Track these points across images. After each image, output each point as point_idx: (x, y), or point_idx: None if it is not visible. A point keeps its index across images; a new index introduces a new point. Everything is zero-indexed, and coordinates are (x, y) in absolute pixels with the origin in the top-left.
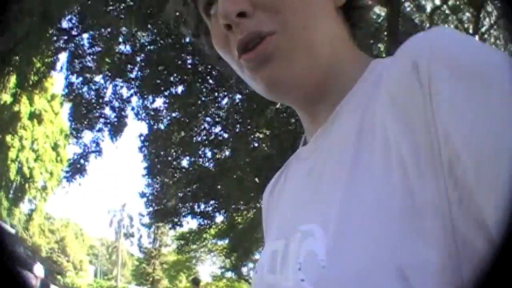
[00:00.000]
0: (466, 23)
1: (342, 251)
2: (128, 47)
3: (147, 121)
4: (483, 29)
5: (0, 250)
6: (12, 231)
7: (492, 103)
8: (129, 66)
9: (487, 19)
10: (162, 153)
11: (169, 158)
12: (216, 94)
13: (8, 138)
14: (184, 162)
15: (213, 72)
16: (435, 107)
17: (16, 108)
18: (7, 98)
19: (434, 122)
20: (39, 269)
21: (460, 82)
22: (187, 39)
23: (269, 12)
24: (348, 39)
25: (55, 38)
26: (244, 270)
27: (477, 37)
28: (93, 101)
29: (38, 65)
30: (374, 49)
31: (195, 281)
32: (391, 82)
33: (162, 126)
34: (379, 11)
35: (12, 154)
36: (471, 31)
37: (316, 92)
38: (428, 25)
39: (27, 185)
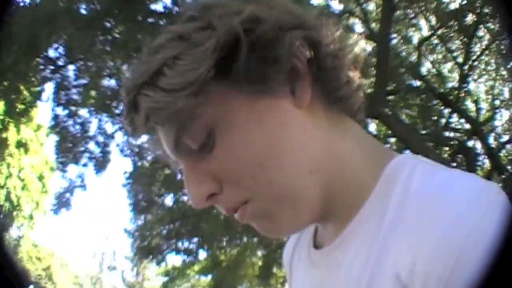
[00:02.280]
0: (456, 51)
1: None
2: (113, 81)
3: (132, 158)
4: (474, 56)
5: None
6: None
7: None
8: (114, 101)
9: (478, 45)
10: (146, 190)
11: (153, 196)
12: None
13: None
14: (168, 200)
15: None
16: None
17: (4, 135)
18: None
19: None
20: None
21: None
22: None
23: (233, 184)
24: (338, 137)
25: (42, 67)
26: None
27: (467, 66)
28: (78, 135)
29: (25, 94)
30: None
31: None
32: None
33: (146, 164)
34: (366, 45)
35: (0, 180)
36: (460, 59)
37: (321, 218)
38: (415, 56)
39: (14, 212)
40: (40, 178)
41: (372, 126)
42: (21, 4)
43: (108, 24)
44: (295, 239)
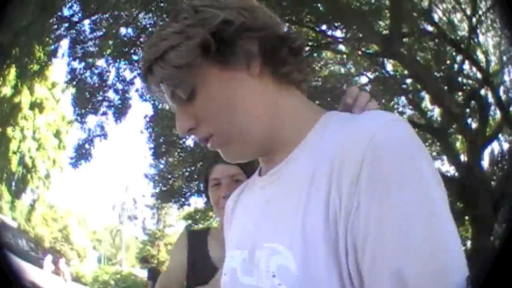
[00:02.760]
0: (463, 4)
1: (307, 267)
2: (130, 30)
3: (152, 101)
4: (480, 12)
5: None
6: (14, 224)
7: (386, 206)
8: (131, 48)
9: (484, 2)
10: (167, 133)
11: (174, 138)
12: None
13: (9, 130)
14: (189, 141)
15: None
16: (357, 192)
17: (16, 100)
18: (7, 90)
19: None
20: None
21: (373, 185)
22: None
23: (204, 122)
24: (284, 96)
25: (55, 26)
26: None
27: (474, 20)
28: (96, 85)
29: (39, 54)
30: (374, 26)
31: (145, 260)
32: (345, 161)
33: (167, 106)
34: None
35: (13, 145)
36: (468, 12)
37: (264, 151)
38: (427, 3)
39: (29, 175)
40: (57, 134)
41: (389, 67)
42: None
43: None
44: (236, 196)
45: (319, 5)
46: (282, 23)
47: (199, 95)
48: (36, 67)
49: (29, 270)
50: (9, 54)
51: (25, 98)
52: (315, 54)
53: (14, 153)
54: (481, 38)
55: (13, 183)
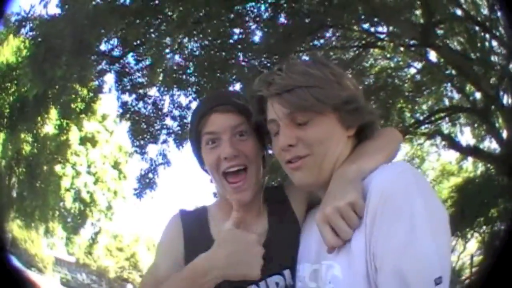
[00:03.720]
0: None
1: (347, 276)
2: (177, 57)
3: None
4: None
5: None
6: (71, 259)
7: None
8: (182, 74)
9: None
10: None
11: None
12: None
13: (58, 167)
14: None
15: (267, 64)
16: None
17: (63, 137)
18: (49, 128)
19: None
20: None
21: (385, 221)
22: (235, 38)
23: (306, 144)
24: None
25: (95, 62)
26: None
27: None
28: (152, 114)
29: (84, 91)
30: (410, 20)
31: None
32: (370, 208)
33: None
34: None
35: (65, 182)
36: None
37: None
38: None
39: (87, 210)
40: (115, 165)
41: (432, 55)
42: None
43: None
44: (311, 214)
45: (358, 7)
46: None
47: (314, 125)
48: (81, 104)
49: None
50: (46, 96)
51: (72, 134)
52: (363, 53)
53: (68, 190)
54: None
55: (69, 219)
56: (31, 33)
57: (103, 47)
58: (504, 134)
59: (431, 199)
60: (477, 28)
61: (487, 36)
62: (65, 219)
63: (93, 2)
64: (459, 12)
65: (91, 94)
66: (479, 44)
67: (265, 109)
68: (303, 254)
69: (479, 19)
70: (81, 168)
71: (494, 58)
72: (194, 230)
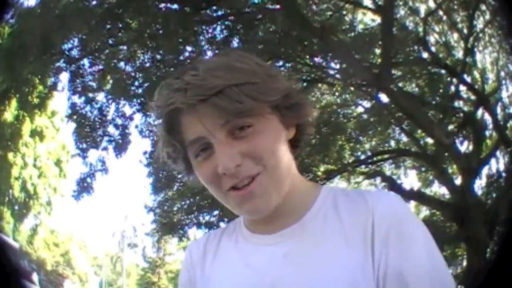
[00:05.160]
0: (460, 23)
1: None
2: (128, 67)
3: (151, 138)
4: (477, 29)
5: (4, 263)
6: (16, 245)
7: (407, 253)
8: (130, 84)
9: (481, 18)
10: (166, 168)
11: (174, 173)
12: None
13: (10, 155)
14: None
15: None
16: (385, 248)
17: (17, 126)
18: (8, 116)
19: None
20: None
21: (398, 240)
22: (185, 55)
23: (255, 159)
24: (294, 164)
25: (54, 58)
26: None
27: (471, 38)
28: (97, 119)
29: (39, 87)
30: (370, 54)
31: None
32: (376, 222)
33: None
34: (372, 17)
35: (15, 171)
36: (465, 31)
37: (275, 211)
38: (422, 28)
39: (31, 202)
40: (58, 163)
41: (384, 96)
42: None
43: (122, 18)
44: (200, 249)
45: (313, 40)
46: None
47: (258, 132)
48: (36, 100)
49: None
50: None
51: (25, 125)
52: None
53: (16, 179)
54: (478, 56)
55: (16, 207)
56: (11, 21)
57: (64, 45)
58: (458, 180)
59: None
60: (442, 71)
61: (454, 80)
62: (13, 206)
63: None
64: (425, 55)
65: (46, 90)
66: (441, 89)
67: (179, 129)
68: None
69: (447, 62)
70: (29, 160)
71: (458, 104)
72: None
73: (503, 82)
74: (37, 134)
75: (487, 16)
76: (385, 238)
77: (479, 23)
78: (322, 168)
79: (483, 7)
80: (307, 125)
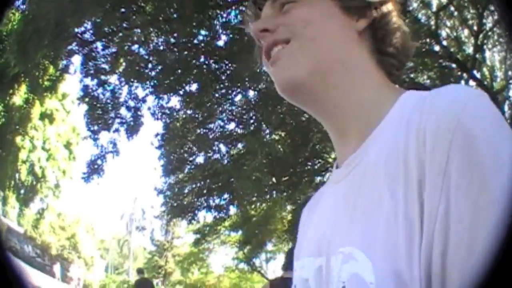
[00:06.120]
0: (470, 20)
1: (387, 277)
2: (141, 50)
3: (163, 120)
4: (487, 27)
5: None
6: (20, 230)
7: (485, 201)
8: (144, 67)
9: (490, 17)
10: (178, 150)
11: (185, 155)
12: (229, 91)
13: (18, 139)
14: (200, 159)
15: (226, 71)
16: (445, 186)
17: (26, 109)
18: (17, 100)
19: (440, 196)
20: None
21: (468, 173)
22: (199, 38)
23: (286, 26)
24: (371, 67)
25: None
26: (257, 261)
27: (481, 36)
28: (109, 102)
29: (51, 70)
30: None
31: (139, 271)
32: (428, 140)
33: (178, 124)
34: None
35: (22, 155)
36: (475, 28)
37: (326, 106)
38: (434, 22)
39: (38, 185)
40: (67, 145)
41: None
42: None
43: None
44: (312, 202)
45: None
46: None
47: (300, 6)
48: (47, 83)
49: (34, 276)
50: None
51: (35, 108)
52: None
53: (24, 162)
54: (488, 54)
55: (22, 191)
56: (22, 7)
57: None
58: None
59: None
60: (453, 65)
61: (464, 75)
62: (19, 190)
63: None
64: (437, 48)
65: (58, 73)
66: (452, 83)
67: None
68: (304, 248)
69: (458, 57)
70: (37, 143)
71: None
72: None
73: (511, 81)
74: (46, 116)
75: (496, 16)
76: (441, 174)
77: (489, 22)
78: (333, 155)
79: (492, 8)
80: (387, 22)
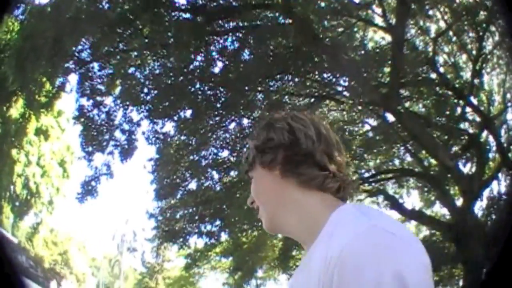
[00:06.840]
0: (470, 44)
1: None
2: (138, 73)
3: (157, 145)
4: (486, 50)
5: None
6: (14, 240)
7: None
8: (139, 91)
9: (490, 39)
10: (171, 176)
11: (178, 181)
12: (224, 118)
13: (14, 152)
14: (192, 185)
15: (221, 98)
16: None
17: (23, 123)
18: (14, 112)
19: None
20: None
21: None
22: (195, 64)
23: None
24: (304, 195)
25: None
26: None
27: (480, 59)
28: (104, 123)
29: (47, 87)
30: (379, 72)
31: None
32: (329, 266)
33: (171, 150)
34: (383, 35)
35: (18, 168)
36: (474, 52)
37: (300, 238)
38: (431, 48)
39: (33, 200)
40: (61, 163)
41: (390, 116)
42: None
43: (135, 25)
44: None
45: (323, 56)
46: (328, 146)
47: (253, 185)
48: (43, 99)
49: (30, 286)
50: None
51: (31, 123)
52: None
53: (19, 176)
54: (486, 78)
55: (17, 203)
56: (21, 17)
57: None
58: (459, 202)
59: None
60: (449, 92)
61: (461, 102)
62: (14, 202)
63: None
64: (433, 75)
65: (54, 90)
66: (447, 111)
67: None
68: None
69: (455, 83)
70: (32, 158)
71: (464, 125)
72: None
73: (509, 104)
74: (42, 132)
75: (496, 37)
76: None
77: (488, 44)
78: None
79: (493, 28)
80: (293, 159)
